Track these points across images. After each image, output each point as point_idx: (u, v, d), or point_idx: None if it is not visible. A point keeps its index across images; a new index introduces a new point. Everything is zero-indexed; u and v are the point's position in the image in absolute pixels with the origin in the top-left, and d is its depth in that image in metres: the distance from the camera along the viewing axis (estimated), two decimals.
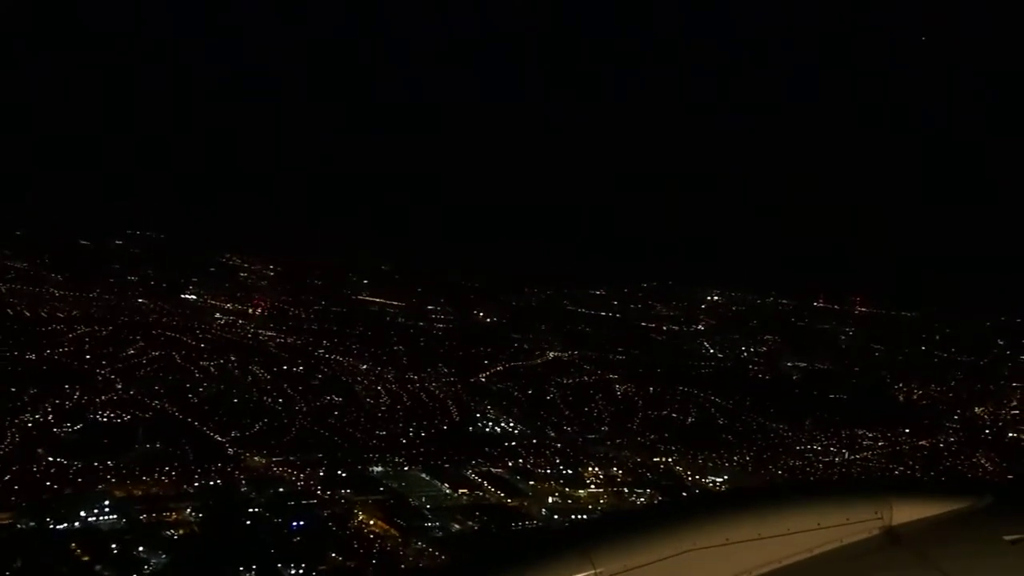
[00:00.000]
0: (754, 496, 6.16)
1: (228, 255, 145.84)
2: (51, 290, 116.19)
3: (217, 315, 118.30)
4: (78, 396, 75.90)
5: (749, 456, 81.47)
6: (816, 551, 5.17)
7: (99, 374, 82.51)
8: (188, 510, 58.25)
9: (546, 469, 73.38)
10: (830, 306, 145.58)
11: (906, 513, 5.49)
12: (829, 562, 5.15)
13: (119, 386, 79.51)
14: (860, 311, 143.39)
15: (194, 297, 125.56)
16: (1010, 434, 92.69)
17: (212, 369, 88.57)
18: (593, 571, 4.65)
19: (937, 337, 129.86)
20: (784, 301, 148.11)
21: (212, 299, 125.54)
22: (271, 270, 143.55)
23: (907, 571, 5.19)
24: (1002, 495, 6.04)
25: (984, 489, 5.94)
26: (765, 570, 5.04)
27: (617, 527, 5.41)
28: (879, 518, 5.40)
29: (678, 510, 5.89)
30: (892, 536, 5.37)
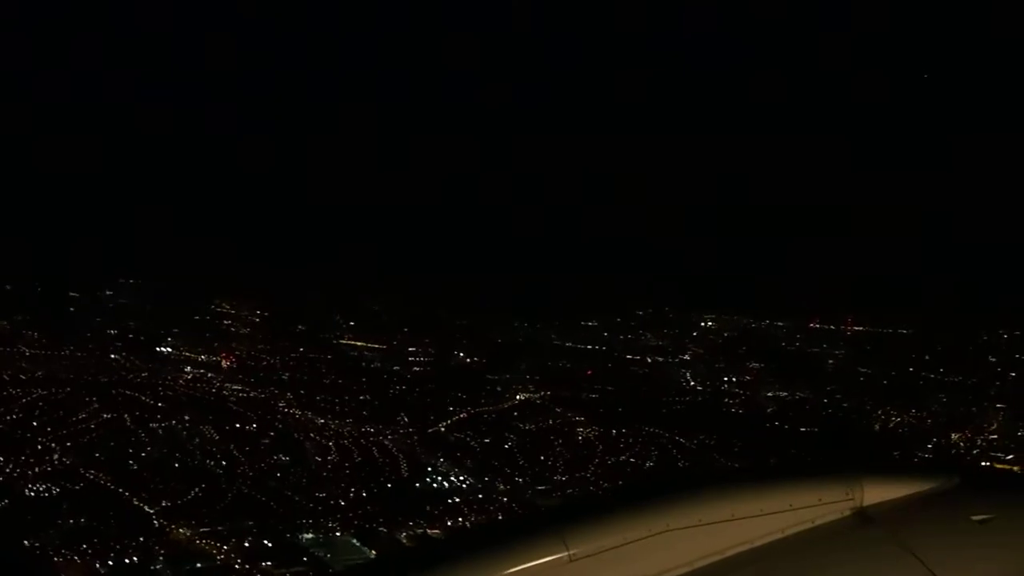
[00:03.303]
0: (727, 478, 6.35)
1: (217, 300, 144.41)
2: (22, 349, 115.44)
3: (187, 369, 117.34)
4: (11, 469, 74.75)
5: None
6: (788, 532, 5.27)
7: (40, 442, 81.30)
8: None
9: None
10: (825, 326, 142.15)
11: (877, 494, 5.58)
12: (801, 542, 5.26)
13: (56, 456, 78.28)
14: (854, 330, 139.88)
15: (169, 350, 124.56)
16: (982, 463, 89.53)
17: (160, 432, 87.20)
18: (566, 552, 4.72)
19: (927, 356, 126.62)
20: (779, 323, 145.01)
21: (187, 351, 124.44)
22: (257, 315, 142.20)
23: (878, 551, 5.28)
24: (971, 476, 6.21)
25: (954, 470, 6.02)
26: (738, 551, 5.13)
27: (590, 508, 5.53)
28: (850, 499, 5.51)
29: (651, 491, 5.83)
30: (863, 517, 5.48)
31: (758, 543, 5.19)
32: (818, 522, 5.38)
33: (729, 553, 5.12)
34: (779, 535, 5.26)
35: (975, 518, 5.51)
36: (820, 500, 5.41)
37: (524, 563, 4.70)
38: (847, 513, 5.48)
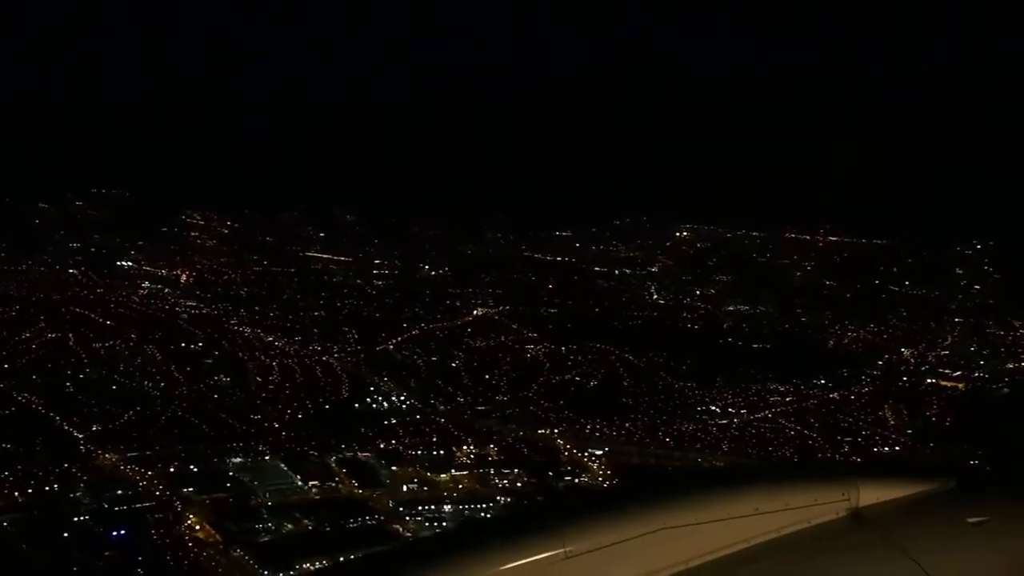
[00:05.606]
0: (724, 476, 6.56)
1: (189, 211, 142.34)
2: None
3: (145, 283, 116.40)
4: None
5: (642, 422, 78.44)
6: (784, 531, 5.27)
7: None
8: (5, 523, 56.23)
9: (417, 451, 70.78)
10: (801, 237, 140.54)
11: (872, 495, 5.61)
12: (796, 542, 5.26)
13: None
14: (828, 241, 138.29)
15: (130, 264, 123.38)
16: (929, 380, 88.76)
17: (102, 352, 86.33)
18: (563, 549, 4.71)
19: (895, 269, 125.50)
20: (755, 234, 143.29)
21: (148, 265, 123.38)
22: (227, 227, 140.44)
23: (872, 552, 5.31)
24: (966, 479, 6.22)
25: (949, 473, 6.07)
26: (734, 549, 5.13)
27: (587, 506, 5.50)
28: (846, 500, 5.53)
29: (649, 489, 5.84)
30: (858, 518, 5.51)
31: (754, 542, 5.20)
32: (814, 522, 5.40)
33: (725, 552, 5.13)
34: (775, 535, 5.27)
35: (970, 520, 5.57)
36: (816, 501, 5.44)
37: (521, 559, 4.68)
38: (843, 514, 5.51)
